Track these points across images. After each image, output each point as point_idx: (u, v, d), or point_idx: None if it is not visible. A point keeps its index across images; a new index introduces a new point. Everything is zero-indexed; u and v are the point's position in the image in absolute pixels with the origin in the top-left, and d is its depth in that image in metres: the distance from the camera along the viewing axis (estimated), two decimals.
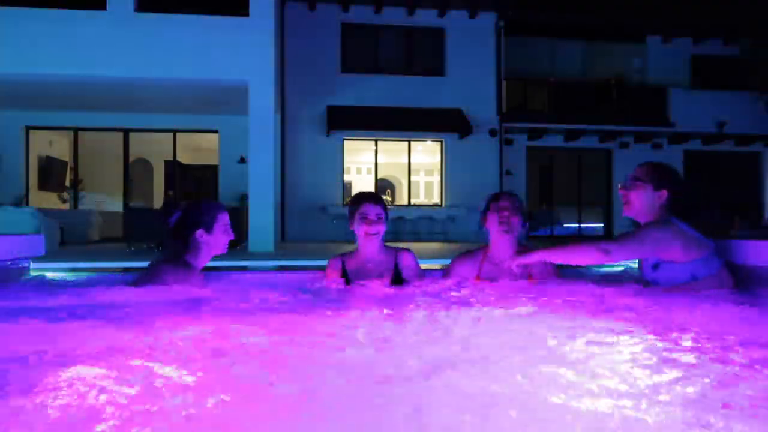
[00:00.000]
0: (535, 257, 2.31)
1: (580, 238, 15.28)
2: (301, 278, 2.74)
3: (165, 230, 2.38)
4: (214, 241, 2.35)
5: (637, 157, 15.14)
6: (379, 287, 2.37)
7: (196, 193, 14.87)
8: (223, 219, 2.37)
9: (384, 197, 15.35)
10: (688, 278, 2.10)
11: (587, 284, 2.28)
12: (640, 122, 14.86)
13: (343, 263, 2.56)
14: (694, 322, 1.61)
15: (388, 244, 2.63)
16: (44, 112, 12.29)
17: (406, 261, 2.56)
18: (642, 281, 2.32)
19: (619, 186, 2.30)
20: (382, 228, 2.50)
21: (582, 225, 15.96)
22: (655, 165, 2.29)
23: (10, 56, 8.75)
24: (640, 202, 2.23)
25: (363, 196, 2.56)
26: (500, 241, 2.51)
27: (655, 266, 2.18)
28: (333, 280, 2.52)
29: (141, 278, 2.32)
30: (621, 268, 2.94)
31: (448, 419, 0.90)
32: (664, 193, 2.20)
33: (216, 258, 2.46)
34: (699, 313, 1.74)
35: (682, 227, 2.14)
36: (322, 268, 2.72)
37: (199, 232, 2.32)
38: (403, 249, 2.61)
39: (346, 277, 2.50)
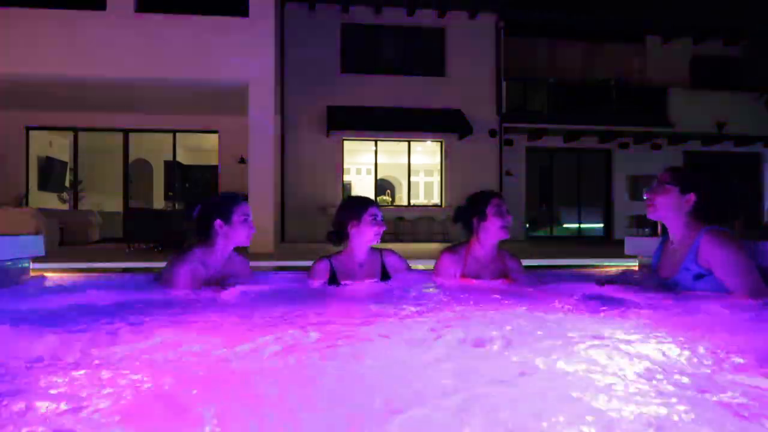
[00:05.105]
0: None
1: (580, 240, 15.27)
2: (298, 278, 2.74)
3: (189, 226, 2.39)
4: (233, 233, 2.33)
5: (637, 157, 15.16)
6: (371, 286, 2.43)
7: (196, 194, 14.85)
8: (242, 210, 2.34)
9: (384, 197, 15.25)
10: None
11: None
12: (639, 122, 14.83)
13: (331, 265, 2.54)
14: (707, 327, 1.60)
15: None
16: (44, 112, 12.28)
17: (391, 260, 2.62)
18: (650, 282, 2.24)
19: (644, 190, 2.25)
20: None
21: (582, 225, 15.95)
22: (683, 169, 2.21)
23: (10, 56, 8.75)
24: (665, 206, 2.15)
25: (368, 200, 2.58)
26: (496, 239, 2.51)
27: (699, 276, 2.03)
28: (317, 281, 2.50)
29: (172, 260, 2.33)
30: (621, 269, 2.94)
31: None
32: (692, 197, 2.11)
33: None
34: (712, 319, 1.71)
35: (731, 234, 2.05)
36: None
37: (218, 223, 2.30)
38: (386, 249, 2.65)
39: (335, 279, 2.49)
